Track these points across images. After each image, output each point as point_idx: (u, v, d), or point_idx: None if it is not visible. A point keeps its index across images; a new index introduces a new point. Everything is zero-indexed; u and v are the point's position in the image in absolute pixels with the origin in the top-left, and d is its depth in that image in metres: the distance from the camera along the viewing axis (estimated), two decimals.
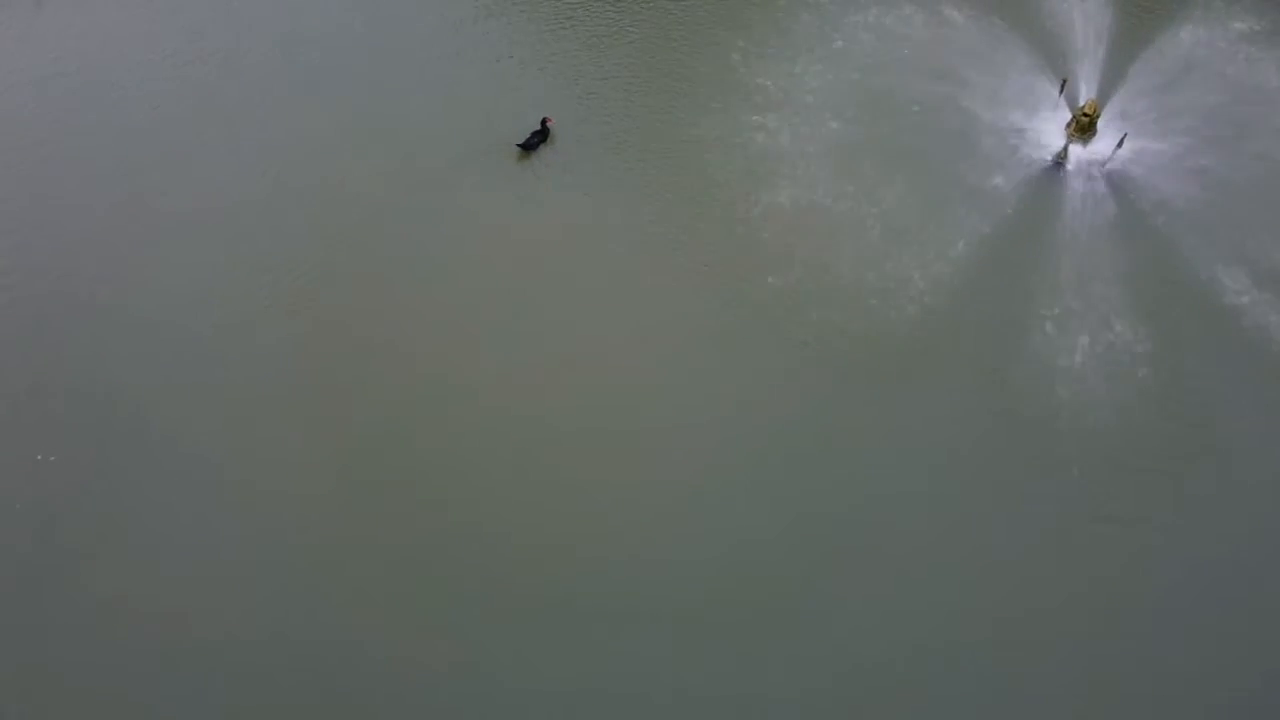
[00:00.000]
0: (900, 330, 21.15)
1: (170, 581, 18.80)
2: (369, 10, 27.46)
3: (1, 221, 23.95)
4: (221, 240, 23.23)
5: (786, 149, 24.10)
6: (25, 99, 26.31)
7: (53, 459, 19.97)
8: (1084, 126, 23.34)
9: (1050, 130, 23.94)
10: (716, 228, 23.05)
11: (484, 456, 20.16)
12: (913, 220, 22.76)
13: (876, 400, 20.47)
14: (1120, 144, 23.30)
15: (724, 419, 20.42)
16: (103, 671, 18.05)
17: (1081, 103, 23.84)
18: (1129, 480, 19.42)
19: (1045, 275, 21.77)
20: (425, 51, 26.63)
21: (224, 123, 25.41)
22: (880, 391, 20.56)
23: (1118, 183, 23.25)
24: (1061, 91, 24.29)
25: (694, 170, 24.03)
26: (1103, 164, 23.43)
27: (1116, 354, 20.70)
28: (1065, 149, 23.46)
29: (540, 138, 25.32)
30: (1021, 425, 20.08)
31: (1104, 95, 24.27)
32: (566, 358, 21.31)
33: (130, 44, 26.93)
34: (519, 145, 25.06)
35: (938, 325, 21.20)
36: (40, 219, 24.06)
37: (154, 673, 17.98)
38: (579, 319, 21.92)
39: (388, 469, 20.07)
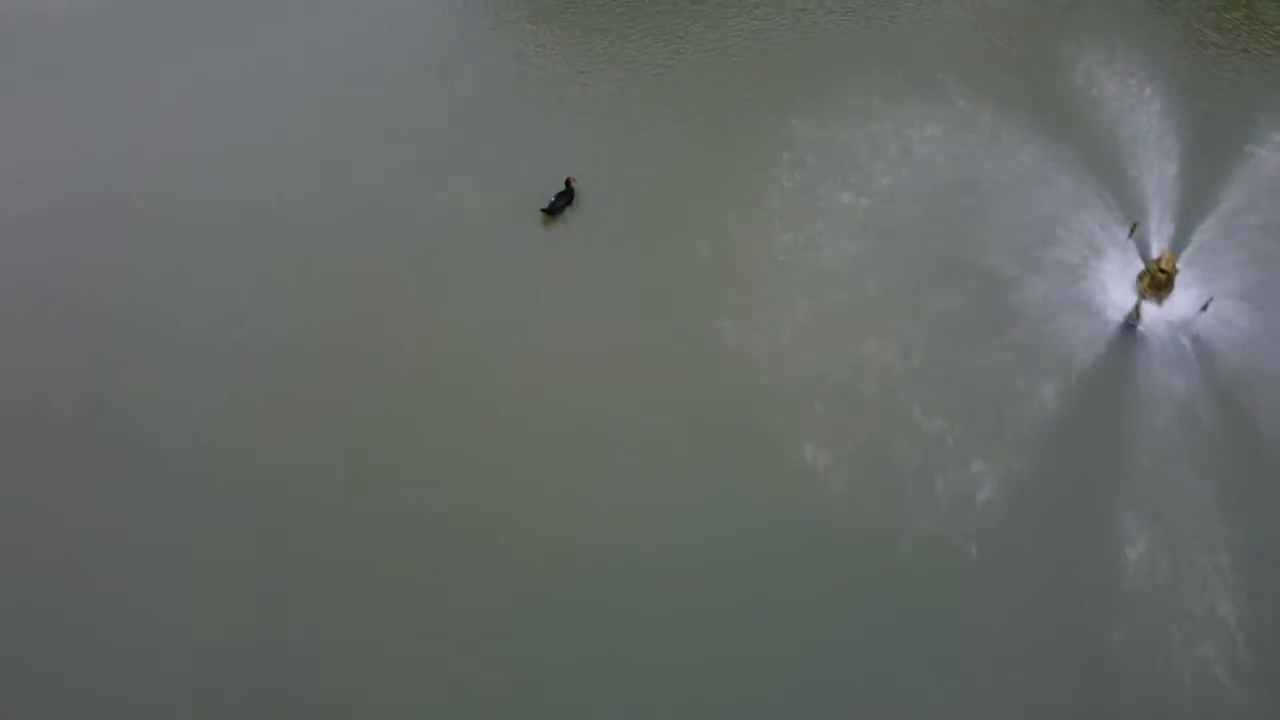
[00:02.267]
0: (940, 527, 18.07)
1: (170, 581, 18.12)
2: (403, 74, 26.32)
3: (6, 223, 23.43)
4: (245, 280, 22.24)
5: (810, 270, 21.70)
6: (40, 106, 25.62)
7: None
8: (1160, 283, 20.61)
9: (1119, 282, 21.07)
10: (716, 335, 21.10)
11: (484, 467, 19.49)
12: (951, 396, 19.65)
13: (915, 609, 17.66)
14: (1205, 307, 20.40)
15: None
16: (100, 670, 17.29)
17: (1155, 254, 21.07)
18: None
19: (1116, 469, 18.52)
20: (455, 112, 25.49)
21: (253, 173, 24.33)
22: (918, 599, 17.66)
23: (1202, 352, 20.12)
24: (1130, 236, 21.77)
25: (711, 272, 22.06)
26: (1184, 328, 20.34)
27: (1201, 568, 17.48)
28: (1138, 308, 20.49)
29: (565, 200, 23.03)
30: (1082, 644, 17.04)
31: (1179, 243, 21.58)
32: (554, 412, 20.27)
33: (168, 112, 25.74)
34: (543, 210, 22.63)
35: (981, 526, 18.09)
36: (49, 220, 23.40)
37: (153, 672, 17.20)
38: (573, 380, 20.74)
39: (390, 482, 19.33)
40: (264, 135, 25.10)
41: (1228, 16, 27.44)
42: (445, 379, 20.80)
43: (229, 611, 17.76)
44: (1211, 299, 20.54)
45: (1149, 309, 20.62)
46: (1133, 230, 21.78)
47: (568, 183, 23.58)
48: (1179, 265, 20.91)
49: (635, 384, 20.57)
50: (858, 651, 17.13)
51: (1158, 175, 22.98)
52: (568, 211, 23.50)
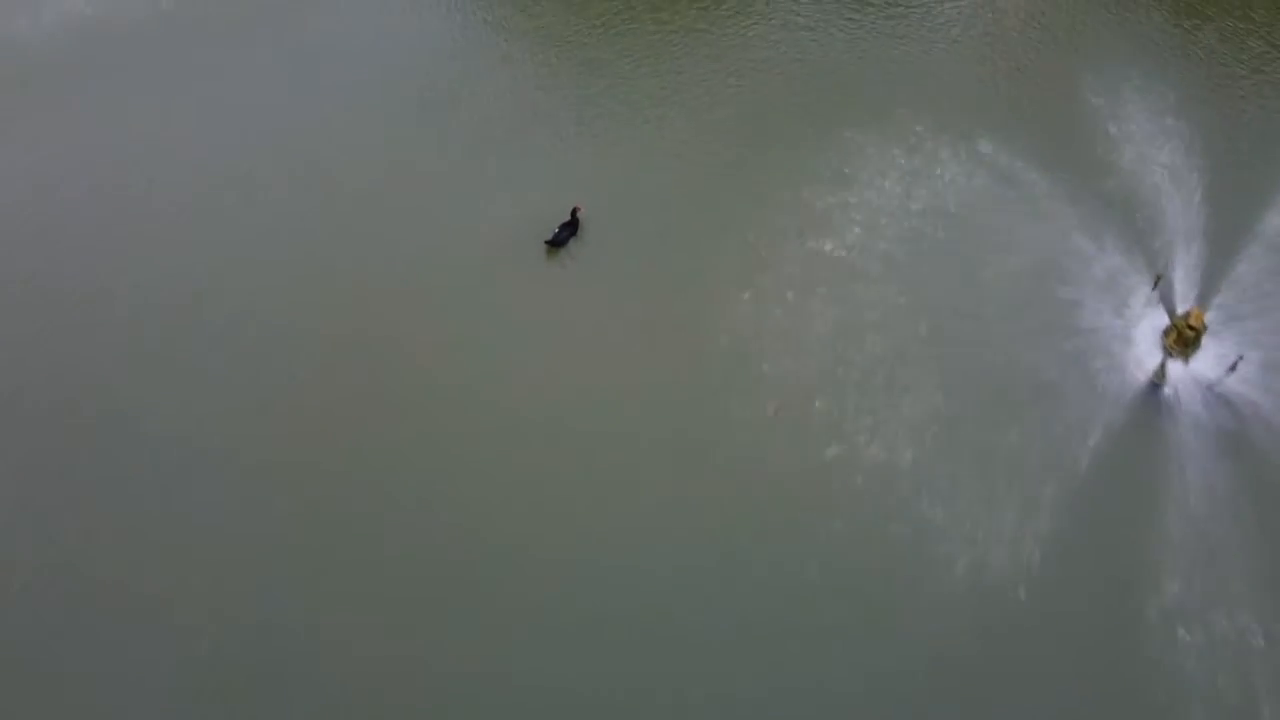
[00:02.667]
0: (946, 617, 16.89)
1: (171, 582, 17.84)
2: (406, 103, 25.34)
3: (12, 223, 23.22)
4: (240, 316, 21.40)
5: (816, 320, 20.82)
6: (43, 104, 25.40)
7: None
8: (1187, 340, 19.72)
9: (1141, 337, 20.06)
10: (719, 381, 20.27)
11: (479, 499, 18.92)
12: (963, 464, 18.50)
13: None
14: (1234, 367, 19.41)
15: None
16: (102, 669, 17.04)
17: (1181, 309, 20.18)
18: None
19: (1142, 547, 17.36)
20: (458, 141, 24.59)
21: (251, 195, 23.50)
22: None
23: (1234, 414, 18.97)
24: (1155, 288, 20.87)
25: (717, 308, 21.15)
26: (1212, 389, 19.30)
27: (1242, 648, 16.25)
28: (1163, 366, 19.59)
29: (570, 231, 22.23)
30: None
31: (1206, 290, 20.57)
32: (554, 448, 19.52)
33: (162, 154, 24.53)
34: (547, 242, 21.80)
35: (997, 611, 16.93)
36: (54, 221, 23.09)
37: (153, 672, 16.93)
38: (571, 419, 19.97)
39: (386, 499, 18.88)
40: (264, 157, 24.28)
41: (1251, 44, 26.61)
42: (442, 406, 20.13)
43: (231, 612, 17.53)
44: (1241, 358, 19.55)
45: (1174, 367, 19.79)
46: (1157, 282, 20.90)
47: (573, 212, 22.66)
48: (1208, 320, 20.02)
49: (635, 421, 19.84)
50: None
51: (1184, 218, 22.09)
52: (572, 243, 22.60)
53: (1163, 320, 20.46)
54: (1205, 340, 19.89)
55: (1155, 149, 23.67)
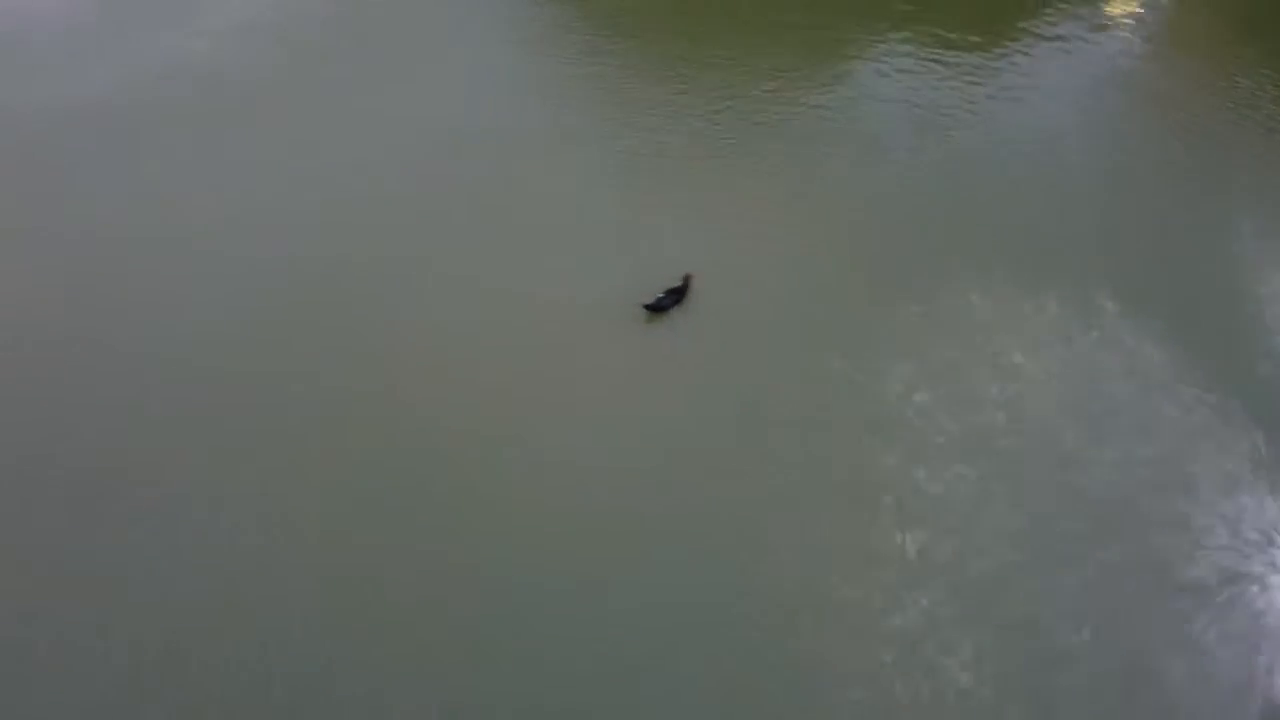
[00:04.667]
0: None
1: (174, 588, 17.33)
2: (509, 147, 24.05)
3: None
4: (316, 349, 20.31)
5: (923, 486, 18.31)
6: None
7: None
8: None
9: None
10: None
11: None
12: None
13: None
14: None
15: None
16: (105, 669, 16.44)
17: None
18: None
19: None
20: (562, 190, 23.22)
21: (337, 243, 22.23)
22: None
23: None
24: None
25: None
26: None
27: None
28: None
29: (675, 298, 20.71)
30: None
31: None
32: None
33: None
34: (645, 306, 20.31)
35: None
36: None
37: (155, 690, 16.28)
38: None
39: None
40: (353, 209, 23.12)
41: None
42: (506, 470, 18.60)
43: (224, 609, 17.02)
44: None
45: None
46: None
47: (685, 279, 21.15)
48: None
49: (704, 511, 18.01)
50: None
51: None
52: (674, 311, 21.05)
53: None
54: None
55: None
